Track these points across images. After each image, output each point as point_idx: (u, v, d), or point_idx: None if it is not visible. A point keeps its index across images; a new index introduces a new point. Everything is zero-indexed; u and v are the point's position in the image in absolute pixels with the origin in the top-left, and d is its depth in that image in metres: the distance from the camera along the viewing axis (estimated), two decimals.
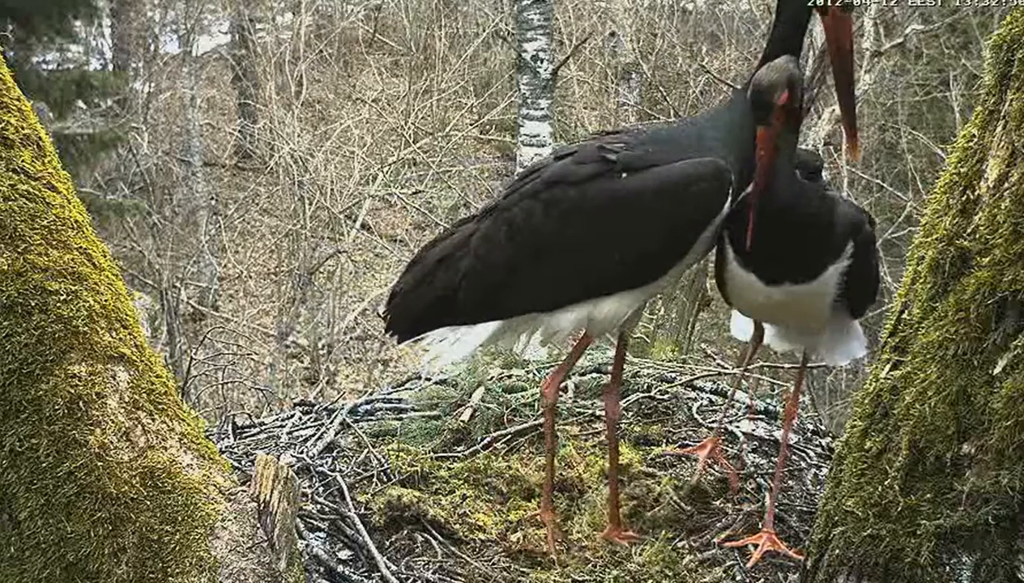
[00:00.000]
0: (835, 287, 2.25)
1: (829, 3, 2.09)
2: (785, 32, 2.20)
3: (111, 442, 1.72)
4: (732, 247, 2.27)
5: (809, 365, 2.74)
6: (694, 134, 2.24)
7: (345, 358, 11.93)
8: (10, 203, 1.72)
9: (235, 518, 1.78)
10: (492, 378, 3.56)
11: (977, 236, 1.50)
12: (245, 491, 1.83)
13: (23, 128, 1.79)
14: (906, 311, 1.68)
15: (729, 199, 2.17)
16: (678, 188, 2.15)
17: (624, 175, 2.18)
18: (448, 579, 2.42)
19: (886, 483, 1.58)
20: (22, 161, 1.76)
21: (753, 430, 3.22)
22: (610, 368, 3.66)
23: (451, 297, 2.35)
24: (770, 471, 2.86)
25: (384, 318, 2.50)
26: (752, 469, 2.92)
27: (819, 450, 3.10)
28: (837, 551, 1.68)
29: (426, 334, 2.45)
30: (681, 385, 3.58)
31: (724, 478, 2.84)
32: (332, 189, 11.58)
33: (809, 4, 2.14)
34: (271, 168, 12.70)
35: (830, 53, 2.19)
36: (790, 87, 2.04)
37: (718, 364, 4.85)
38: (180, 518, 1.74)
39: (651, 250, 2.21)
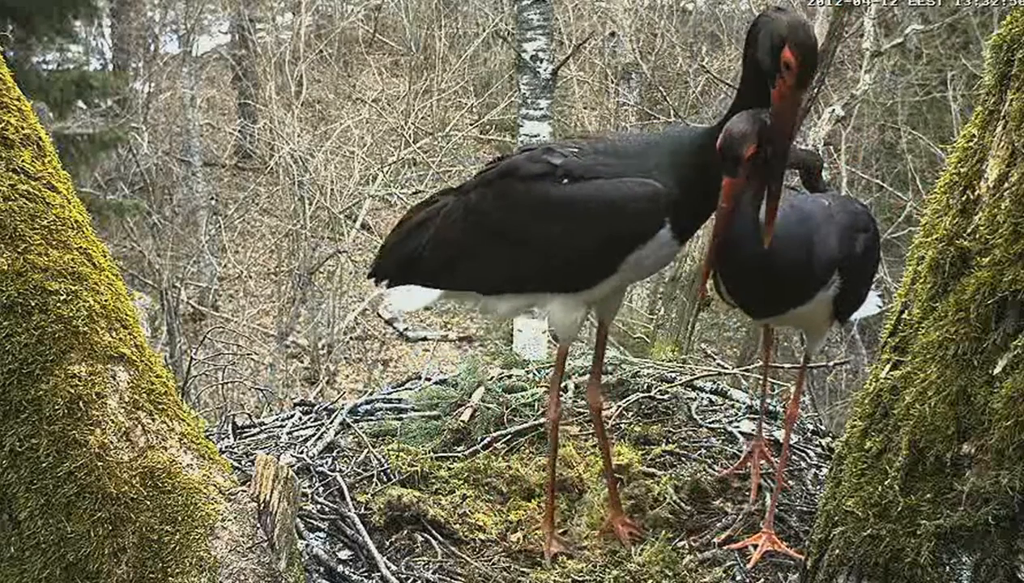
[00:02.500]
0: (827, 306, 2.33)
1: (779, 77, 1.96)
2: (750, 90, 2.08)
3: (111, 442, 1.72)
4: (722, 283, 2.33)
5: (809, 365, 2.75)
6: (645, 152, 2.20)
7: (345, 358, 11.92)
8: (10, 203, 1.72)
9: (235, 518, 1.78)
10: (492, 378, 3.56)
11: (977, 236, 1.50)
12: (245, 491, 1.83)
13: (23, 128, 1.79)
14: (906, 311, 1.68)
15: (667, 226, 2.14)
16: (608, 205, 2.14)
17: (565, 182, 2.19)
18: (448, 579, 2.42)
19: (886, 483, 1.58)
20: (22, 161, 1.76)
21: (753, 430, 3.22)
22: (611, 368, 3.68)
23: (416, 259, 2.47)
24: (770, 471, 2.86)
25: (373, 264, 2.64)
26: (752, 469, 2.91)
27: (819, 450, 3.10)
28: (837, 551, 1.68)
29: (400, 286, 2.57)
30: (681, 385, 3.58)
31: (724, 478, 2.85)
32: (332, 189, 11.58)
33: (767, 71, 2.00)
34: (271, 168, 12.69)
35: (772, 126, 2.02)
36: (759, 140, 2.02)
37: (718, 364, 4.85)
38: (180, 518, 1.74)
39: (576, 260, 2.22)
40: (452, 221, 2.42)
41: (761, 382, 2.65)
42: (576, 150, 2.25)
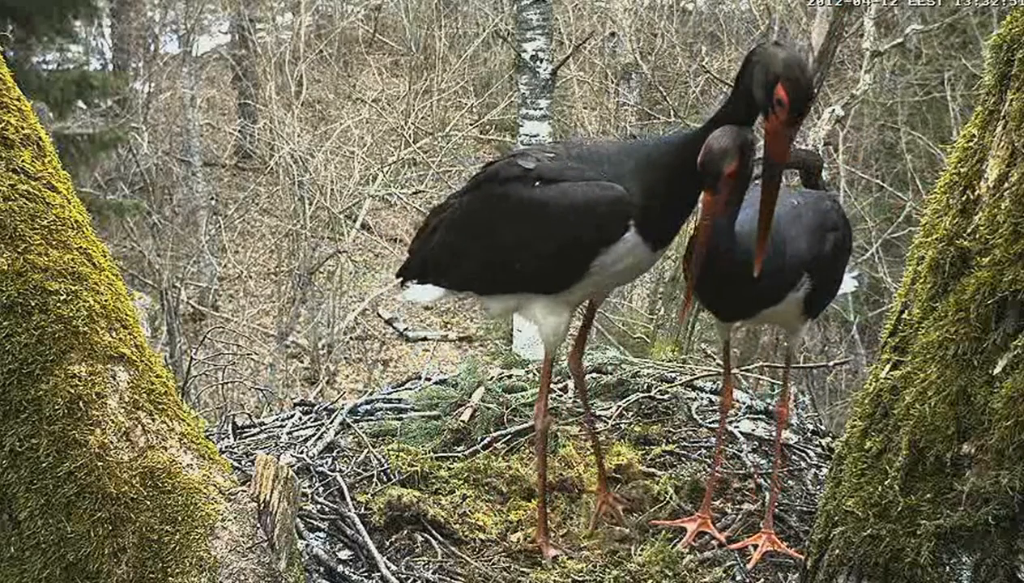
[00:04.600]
0: (797, 306, 2.34)
1: (771, 113, 1.96)
2: (733, 111, 2.08)
3: (111, 442, 1.72)
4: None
5: (810, 365, 2.76)
6: (617, 158, 2.23)
7: (345, 358, 11.93)
8: (10, 203, 1.72)
9: (235, 518, 1.78)
10: (492, 378, 3.56)
11: (977, 236, 1.50)
12: (245, 491, 1.83)
13: (23, 128, 1.79)
14: (906, 311, 1.68)
15: (632, 230, 2.16)
16: (572, 207, 2.18)
17: (537, 184, 2.24)
18: (448, 579, 2.42)
19: (886, 483, 1.58)
20: (22, 161, 1.76)
21: (753, 430, 3.22)
22: (611, 368, 3.68)
23: (427, 259, 2.58)
24: (770, 471, 2.86)
25: (401, 267, 2.73)
26: (752, 469, 2.92)
27: (819, 450, 3.10)
28: (837, 551, 1.68)
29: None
30: (681, 385, 3.58)
31: (724, 478, 2.85)
32: (332, 189, 11.58)
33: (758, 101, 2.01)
34: (271, 168, 12.69)
35: (763, 158, 2.03)
36: (740, 155, 2.02)
37: (718, 364, 4.85)
38: (180, 518, 1.74)
39: (547, 260, 2.27)
40: (449, 224, 2.50)
41: (723, 393, 2.65)
42: (552, 155, 2.30)
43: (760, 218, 2.05)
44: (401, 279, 2.71)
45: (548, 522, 2.59)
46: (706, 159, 2.01)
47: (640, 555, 2.43)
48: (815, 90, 2.01)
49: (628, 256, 2.21)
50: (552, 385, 3.51)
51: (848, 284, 2.60)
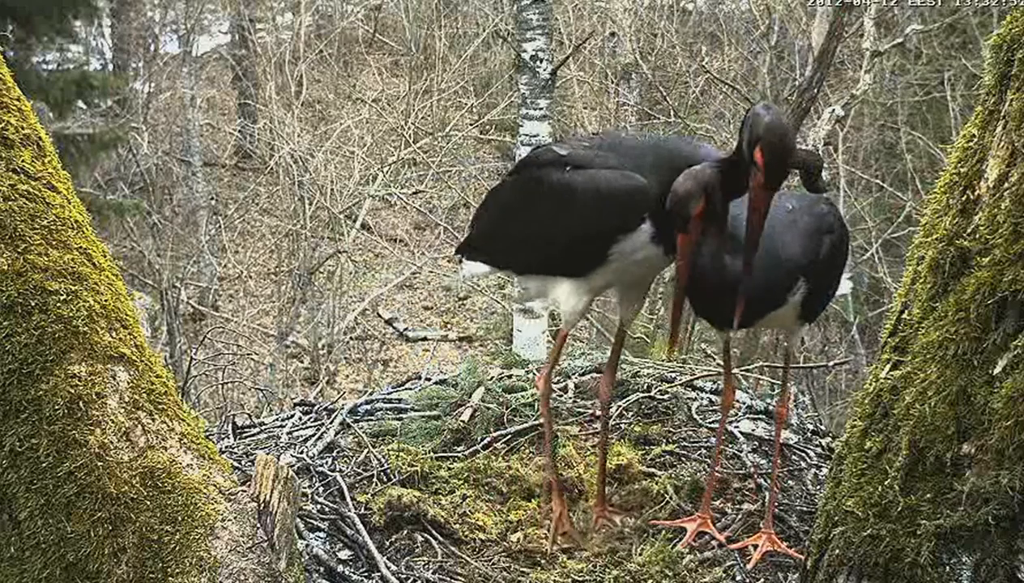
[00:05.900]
0: (794, 310, 2.35)
1: (753, 172, 2.01)
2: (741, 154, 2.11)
3: (111, 442, 1.72)
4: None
5: (810, 365, 2.76)
6: (642, 152, 2.29)
7: (345, 358, 11.93)
8: (10, 203, 1.72)
9: (235, 518, 1.78)
10: (492, 378, 3.56)
11: (977, 236, 1.50)
12: (245, 491, 1.83)
13: (23, 128, 1.79)
14: (906, 311, 1.68)
15: (648, 222, 2.20)
16: (595, 192, 2.25)
17: (568, 169, 2.33)
18: (448, 579, 2.42)
19: (886, 483, 1.58)
20: (22, 161, 1.76)
21: (753, 430, 3.22)
22: None
23: (477, 237, 2.73)
24: (770, 471, 2.86)
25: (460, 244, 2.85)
26: (752, 469, 2.92)
27: (819, 450, 3.10)
28: (837, 551, 1.68)
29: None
30: (681, 385, 3.58)
31: (724, 478, 2.85)
32: (332, 189, 11.58)
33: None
34: (271, 168, 12.69)
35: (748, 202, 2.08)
36: (706, 195, 2.06)
37: (718, 364, 4.85)
38: (180, 518, 1.74)
39: (572, 242, 2.35)
40: (490, 208, 2.67)
41: (724, 393, 2.66)
42: (586, 144, 2.40)
43: (745, 265, 2.10)
44: (459, 255, 2.81)
45: (548, 518, 2.59)
46: (672, 203, 2.08)
47: (640, 555, 2.43)
48: (791, 159, 2.07)
49: (644, 248, 2.25)
50: (552, 385, 3.51)
51: (844, 286, 2.60)
